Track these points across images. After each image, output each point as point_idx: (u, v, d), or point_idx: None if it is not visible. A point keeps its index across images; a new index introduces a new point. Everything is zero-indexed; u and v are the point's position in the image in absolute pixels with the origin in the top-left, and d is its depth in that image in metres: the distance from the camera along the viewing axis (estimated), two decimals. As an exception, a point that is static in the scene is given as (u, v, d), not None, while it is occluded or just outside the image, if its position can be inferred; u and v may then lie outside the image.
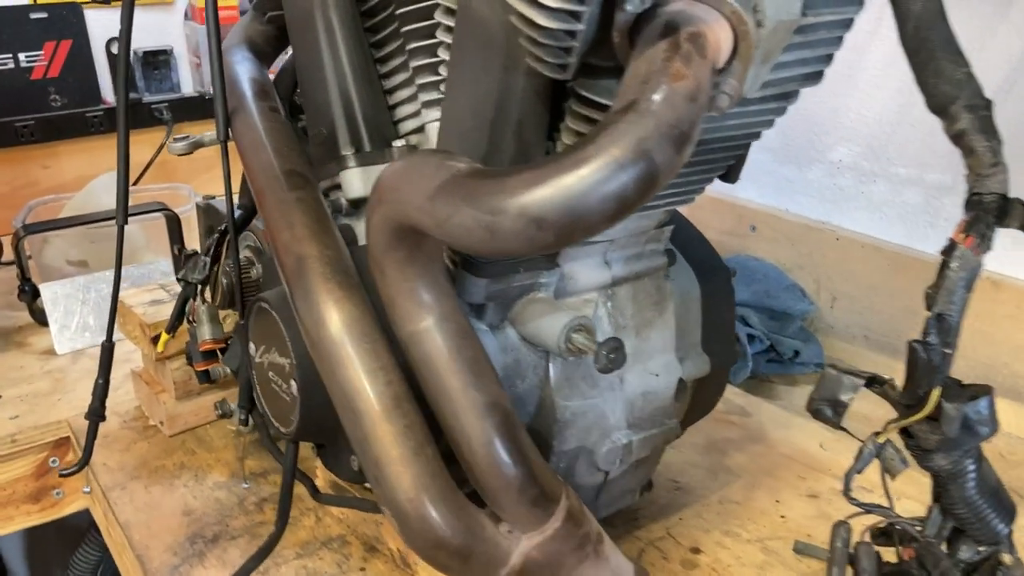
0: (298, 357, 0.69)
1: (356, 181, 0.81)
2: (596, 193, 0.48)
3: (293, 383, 0.70)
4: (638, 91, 0.51)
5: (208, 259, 0.89)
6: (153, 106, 1.95)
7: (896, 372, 1.21)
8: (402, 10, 0.78)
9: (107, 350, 0.95)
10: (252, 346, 0.76)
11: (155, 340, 1.08)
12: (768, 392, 1.20)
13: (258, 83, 0.86)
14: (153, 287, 1.16)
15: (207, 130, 2.04)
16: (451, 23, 0.71)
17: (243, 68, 0.87)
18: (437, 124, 0.80)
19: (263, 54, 0.93)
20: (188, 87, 2.03)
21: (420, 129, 0.82)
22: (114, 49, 1.93)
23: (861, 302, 1.22)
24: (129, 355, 1.34)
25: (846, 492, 0.61)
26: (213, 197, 1.19)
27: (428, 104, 0.80)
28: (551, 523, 0.65)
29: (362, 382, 0.62)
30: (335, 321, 0.63)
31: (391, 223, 0.58)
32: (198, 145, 1.05)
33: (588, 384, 0.76)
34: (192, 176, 2.03)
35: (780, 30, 0.58)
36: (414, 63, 0.79)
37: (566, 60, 0.56)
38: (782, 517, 0.95)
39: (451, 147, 0.67)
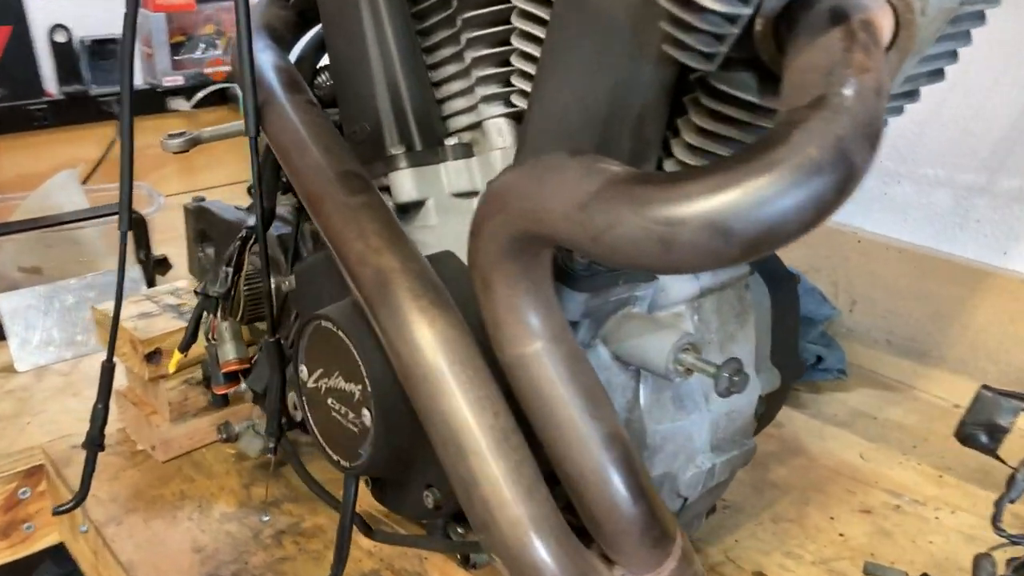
0: (375, 384, 0.61)
1: (408, 183, 0.73)
2: (793, 199, 0.42)
3: (366, 413, 0.62)
4: (824, 85, 0.45)
5: (230, 270, 0.79)
6: (101, 99, 1.81)
7: (920, 378, 1.18)
8: (465, -6, 0.70)
9: (107, 371, 0.85)
10: (304, 369, 0.68)
11: (149, 358, 0.97)
12: (793, 400, 1.16)
13: (287, 73, 0.77)
14: (139, 298, 1.06)
15: (161, 126, 1.92)
16: (532, 8, 0.64)
17: (267, 57, 0.78)
18: (497, 121, 0.73)
19: (283, 41, 0.84)
20: (138, 79, 1.89)
21: (475, 126, 0.75)
22: (58, 37, 1.79)
23: (884, 306, 1.18)
24: (101, 371, 1.23)
25: (995, 523, 0.56)
26: (203, 198, 1.09)
27: (488, 99, 0.73)
28: (667, 564, 0.59)
29: (467, 414, 0.54)
30: (432, 344, 0.55)
31: (511, 233, 0.51)
32: (195, 142, 0.96)
33: (676, 406, 0.70)
34: (142, 174, 1.89)
35: (938, 19, 0.53)
36: (473, 53, 0.72)
37: (718, 49, 0.50)
38: (840, 535, 0.91)
39: (548, 147, 0.60)
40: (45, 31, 1.79)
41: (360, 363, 0.62)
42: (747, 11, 0.47)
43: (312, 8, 0.85)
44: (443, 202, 0.74)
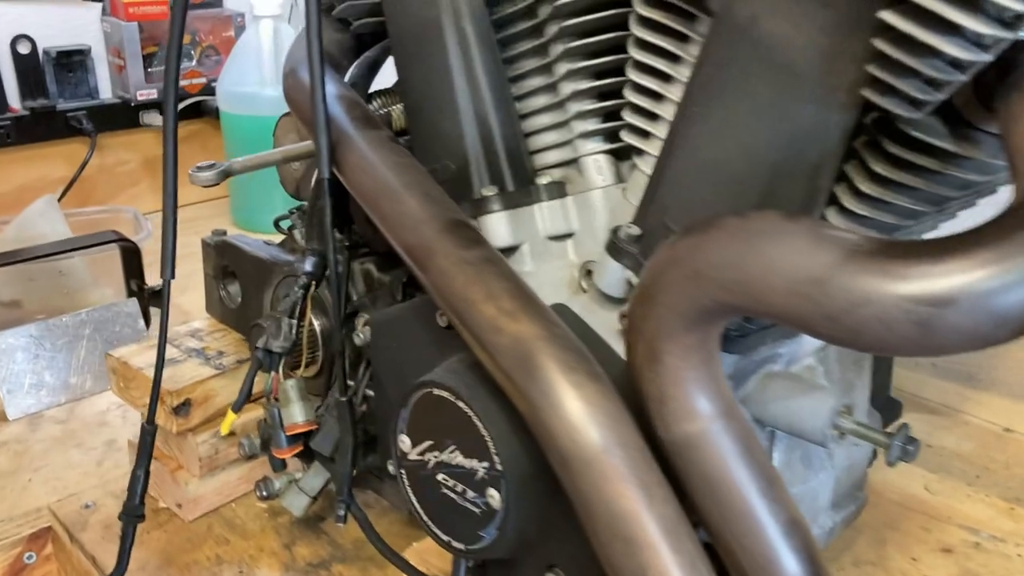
0: (508, 464, 0.54)
1: (503, 227, 0.66)
2: (1076, 276, 0.37)
3: (493, 493, 0.55)
4: (1083, 142, 0.40)
5: (293, 322, 0.72)
6: (69, 115, 1.70)
7: (967, 401, 1.16)
8: (566, 23, 0.64)
9: (149, 434, 0.76)
10: (406, 440, 0.61)
11: (177, 410, 0.89)
12: (842, 429, 1.12)
13: (358, 107, 0.70)
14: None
15: (134, 142, 1.80)
16: (658, 41, 0.58)
17: (331, 88, 0.71)
18: (597, 158, 0.68)
19: (340, 68, 0.77)
20: (107, 92, 1.78)
21: (570, 163, 0.69)
22: (20, 48, 1.67)
23: (927, 328, 1.15)
24: (103, 416, 1.14)
25: None
26: (224, 232, 1.01)
27: (587, 135, 0.67)
28: (838, 653, 0.54)
29: (637, 502, 0.48)
30: (592, 424, 0.49)
31: (702, 304, 0.45)
32: (227, 174, 0.88)
33: (805, 465, 0.65)
34: (112, 194, 1.80)
35: None
36: (572, 87, 0.66)
37: (934, 97, 0.45)
38: (927, 579, 0.87)
39: (698, 196, 0.55)
40: (7, 42, 1.66)
41: (488, 439, 0.55)
42: (986, 58, 0.42)
43: (372, 32, 0.78)
44: (538, 246, 0.68)
